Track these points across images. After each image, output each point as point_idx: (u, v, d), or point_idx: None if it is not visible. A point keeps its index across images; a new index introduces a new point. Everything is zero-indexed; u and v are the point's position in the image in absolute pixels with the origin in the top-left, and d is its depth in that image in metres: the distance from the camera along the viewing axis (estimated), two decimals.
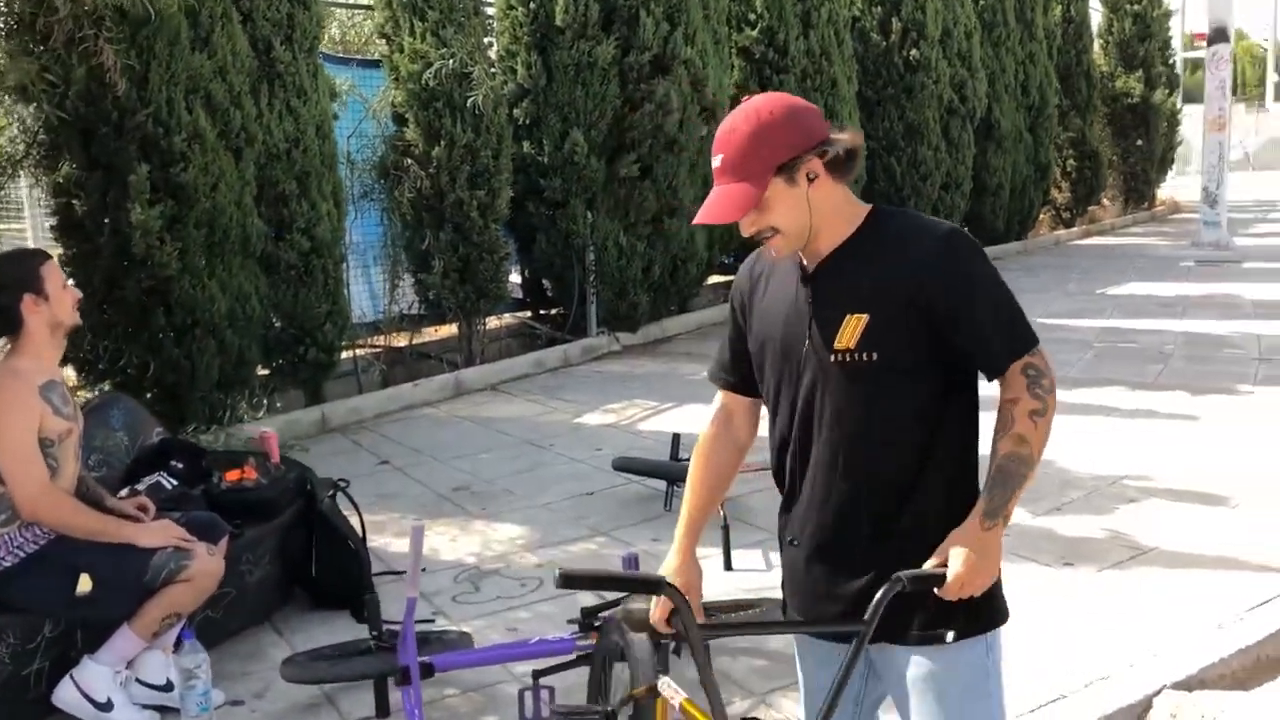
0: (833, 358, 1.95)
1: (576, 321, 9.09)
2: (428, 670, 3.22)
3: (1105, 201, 18.29)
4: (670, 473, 5.08)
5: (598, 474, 5.72)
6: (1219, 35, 13.92)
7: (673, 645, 3.33)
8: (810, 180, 1.91)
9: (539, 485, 5.65)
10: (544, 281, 9.44)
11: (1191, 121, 20.17)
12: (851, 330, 1.92)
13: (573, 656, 3.30)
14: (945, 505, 1.95)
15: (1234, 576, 4.18)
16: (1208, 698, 3.43)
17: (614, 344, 9.02)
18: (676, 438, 5.24)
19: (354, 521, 4.44)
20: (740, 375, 2.18)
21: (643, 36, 8.50)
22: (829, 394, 1.97)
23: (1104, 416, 6.36)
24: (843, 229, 1.97)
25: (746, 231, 1.94)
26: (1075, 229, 16.68)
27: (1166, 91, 18.31)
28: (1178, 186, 21.37)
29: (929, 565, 1.86)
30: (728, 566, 4.45)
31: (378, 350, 8.28)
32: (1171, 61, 19.12)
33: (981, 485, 1.91)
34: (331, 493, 4.42)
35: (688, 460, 5.02)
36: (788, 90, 10.40)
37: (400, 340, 8.51)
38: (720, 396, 2.25)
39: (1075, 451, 5.48)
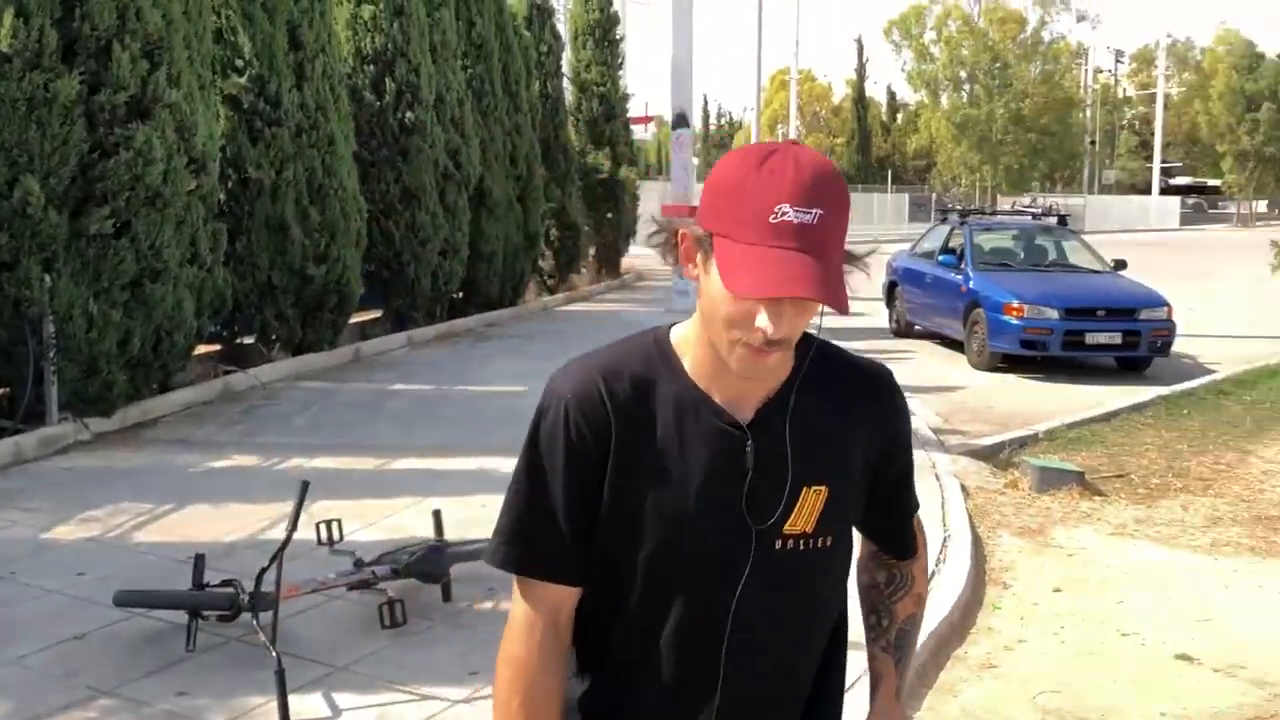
0: (779, 544, 1.43)
1: (31, 407, 7.47)
2: None
3: (582, 269, 19.26)
4: (195, 603, 4.11)
5: (86, 608, 4.53)
6: (680, 121, 15.12)
7: None
8: None
9: (4, 633, 4.35)
10: None
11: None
12: (810, 508, 1.43)
13: None
14: (839, 655, 1.62)
15: None
16: None
17: (83, 432, 7.54)
18: (200, 558, 4.27)
19: None
20: (579, 557, 1.47)
21: (117, 74, 7.26)
22: (764, 590, 1.44)
23: None
24: (789, 358, 1.46)
25: (780, 333, 1.32)
26: (559, 295, 17.30)
27: (630, 167, 19.81)
28: (633, 255, 23.15)
29: None
30: None
31: None
32: (632, 141, 20.75)
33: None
34: None
35: (218, 586, 4.20)
36: (281, 146, 9.56)
37: None
38: (539, 591, 1.49)
39: None
